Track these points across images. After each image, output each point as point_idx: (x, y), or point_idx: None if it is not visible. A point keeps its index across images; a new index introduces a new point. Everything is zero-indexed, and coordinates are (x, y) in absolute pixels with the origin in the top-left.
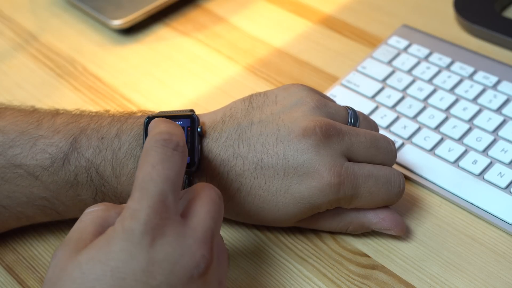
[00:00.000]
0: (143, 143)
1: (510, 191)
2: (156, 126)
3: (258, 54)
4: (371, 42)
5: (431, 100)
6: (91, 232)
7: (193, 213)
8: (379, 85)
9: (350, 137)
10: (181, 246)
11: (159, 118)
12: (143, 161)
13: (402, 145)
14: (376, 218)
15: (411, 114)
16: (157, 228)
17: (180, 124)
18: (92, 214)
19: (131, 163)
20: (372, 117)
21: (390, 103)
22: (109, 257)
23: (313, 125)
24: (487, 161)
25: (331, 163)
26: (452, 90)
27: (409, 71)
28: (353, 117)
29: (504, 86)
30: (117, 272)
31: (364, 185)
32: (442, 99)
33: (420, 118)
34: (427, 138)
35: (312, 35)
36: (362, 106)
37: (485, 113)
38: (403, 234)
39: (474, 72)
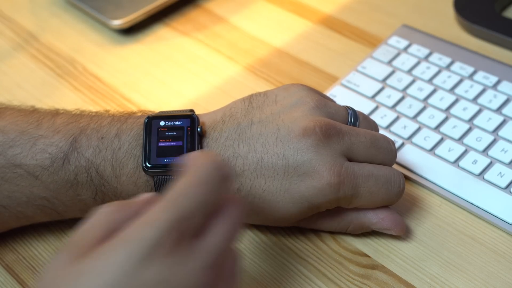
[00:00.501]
0: (143, 142)
1: (510, 191)
2: (213, 155)
3: (258, 54)
4: (371, 42)
5: (431, 100)
6: (97, 237)
7: (209, 232)
8: (379, 85)
9: (350, 137)
10: (187, 270)
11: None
12: (190, 171)
13: (402, 145)
14: (376, 218)
15: (411, 114)
16: (167, 246)
17: (180, 124)
18: (101, 216)
19: (131, 163)
20: (372, 117)
21: (390, 103)
22: (108, 269)
23: (313, 125)
24: (487, 161)
25: (331, 163)
26: (452, 90)
27: (409, 71)
28: (353, 117)
29: (504, 86)
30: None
31: (364, 185)
32: (442, 99)
33: (420, 118)
34: (427, 138)
35: (312, 35)
36: (362, 106)
37: (485, 113)
38: (403, 234)
39: (474, 72)
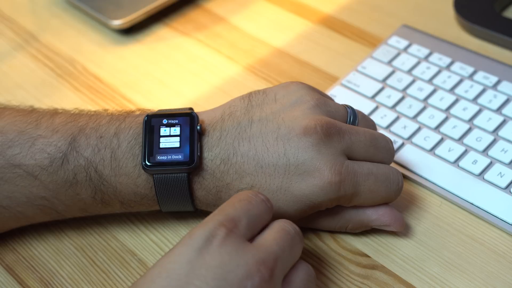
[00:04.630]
0: (143, 141)
1: (510, 191)
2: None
3: (258, 54)
4: (371, 42)
5: (431, 100)
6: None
7: (259, 237)
8: (379, 85)
9: (350, 135)
10: (239, 258)
11: None
12: (231, 198)
13: (402, 145)
14: (375, 215)
15: (411, 114)
16: (218, 237)
17: (179, 122)
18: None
19: (130, 162)
20: (372, 117)
21: (390, 103)
22: (169, 260)
23: (313, 124)
24: (487, 161)
25: (332, 162)
26: (452, 90)
27: (409, 71)
28: (352, 116)
29: (504, 86)
30: (171, 274)
31: (364, 183)
32: (442, 99)
33: (420, 118)
34: (427, 138)
35: (312, 35)
36: (362, 106)
37: (485, 113)
38: (403, 229)
39: (474, 72)
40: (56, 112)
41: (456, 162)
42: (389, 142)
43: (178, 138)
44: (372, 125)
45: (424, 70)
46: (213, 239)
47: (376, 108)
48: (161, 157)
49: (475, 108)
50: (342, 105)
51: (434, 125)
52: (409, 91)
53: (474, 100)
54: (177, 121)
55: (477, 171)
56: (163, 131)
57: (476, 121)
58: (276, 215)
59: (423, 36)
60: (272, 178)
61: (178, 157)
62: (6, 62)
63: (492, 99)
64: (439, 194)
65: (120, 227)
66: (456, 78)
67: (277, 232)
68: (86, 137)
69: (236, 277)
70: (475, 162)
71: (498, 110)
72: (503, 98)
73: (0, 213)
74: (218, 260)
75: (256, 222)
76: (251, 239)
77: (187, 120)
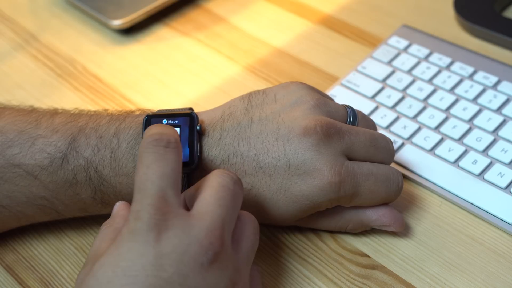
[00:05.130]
0: None
1: (510, 191)
2: (148, 130)
3: (258, 54)
4: (371, 42)
5: (431, 100)
6: (106, 246)
7: (200, 201)
8: (379, 85)
9: (350, 136)
10: (188, 236)
11: (152, 125)
12: (138, 164)
13: (402, 145)
14: (375, 215)
15: (411, 114)
16: (160, 224)
17: (179, 122)
18: (108, 229)
19: (130, 162)
20: (372, 117)
21: (390, 103)
22: (119, 258)
23: (313, 124)
24: (487, 161)
25: (332, 162)
26: (452, 90)
27: (409, 71)
28: (352, 116)
29: (504, 86)
30: (128, 271)
31: (364, 183)
32: (442, 99)
33: (420, 118)
34: (427, 138)
35: (312, 35)
36: (362, 106)
37: (485, 113)
38: (403, 230)
39: (474, 72)
40: (56, 112)
41: (456, 162)
42: (389, 142)
43: None
44: (372, 125)
45: (424, 70)
46: (154, 228)
47: (376, 108)
48: None
49: (475, 108)
50: (342, 105)
51: (434, 125)
52: (409, 91)
53: (474, 100)
54: (177, 121)
55: (477, 171)
56: None
57: (476, 121)
58: (276, 215)
59: (423, 36)
60: (272, 179)
61: None
62: (6, 62)
63: (492, 99)
64: (439, 194)
65: None
66: (456, 78)
67: (217, 192)
68: (86, 137)
69: (191, 257)
70: (475, 162)
71: (498, 110)
72: (503, 98)
73: (0, 212)
74: (169, 246)
75: (176, 178)
76: (192, 197)
77: (187, 120)
